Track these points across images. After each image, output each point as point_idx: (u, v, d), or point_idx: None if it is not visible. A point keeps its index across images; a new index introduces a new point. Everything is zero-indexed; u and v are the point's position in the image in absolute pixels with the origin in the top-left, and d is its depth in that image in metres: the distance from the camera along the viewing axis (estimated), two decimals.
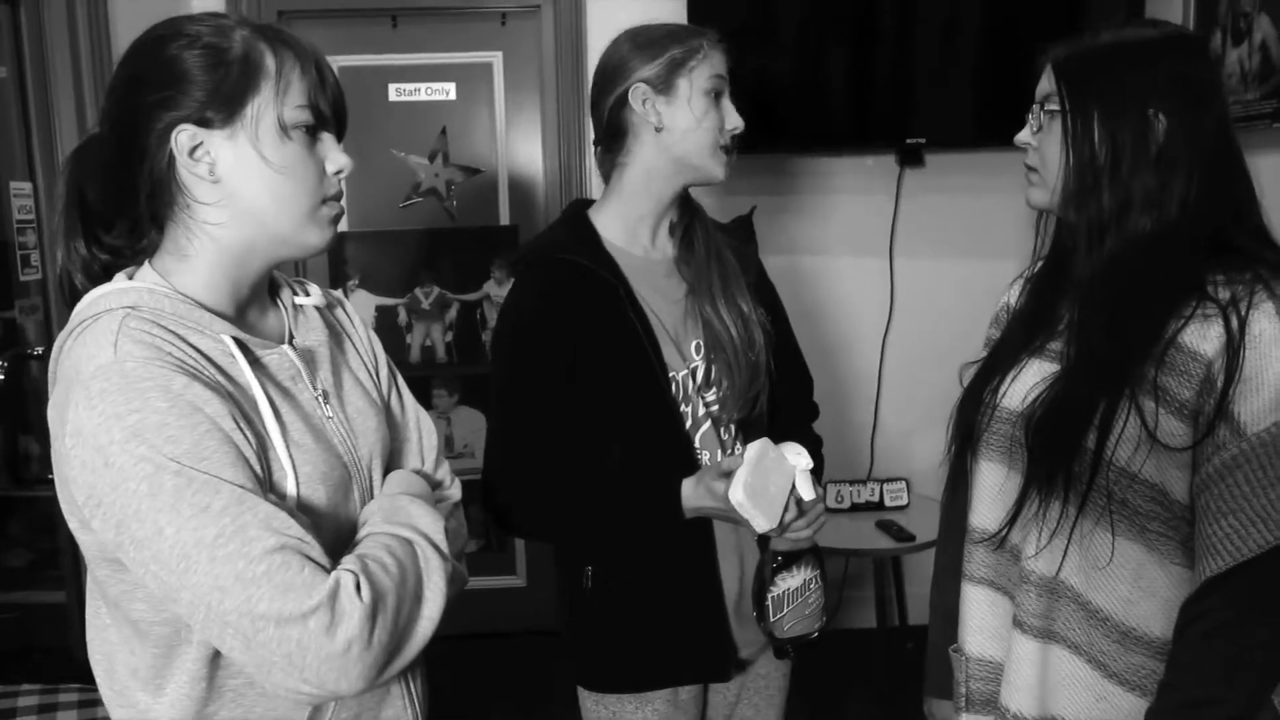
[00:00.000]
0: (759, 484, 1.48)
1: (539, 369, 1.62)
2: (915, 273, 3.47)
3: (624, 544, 1.66)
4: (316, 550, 1.02)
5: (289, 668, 0.99)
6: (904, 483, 3.23)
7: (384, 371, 1.35)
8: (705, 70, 1.61)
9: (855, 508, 3.20)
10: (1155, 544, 1.22)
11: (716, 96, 1.63)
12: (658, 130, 1.62)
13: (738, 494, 1.46)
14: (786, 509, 1.54)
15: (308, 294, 1.28)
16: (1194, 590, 1.17)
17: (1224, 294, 1.18)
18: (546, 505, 1.64)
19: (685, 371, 1.65)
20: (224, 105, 1.08)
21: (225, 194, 1.10)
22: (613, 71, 1.65)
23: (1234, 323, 1.15)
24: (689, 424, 1.65)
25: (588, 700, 1.72)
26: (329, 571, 1.02)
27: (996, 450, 1.35)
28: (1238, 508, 1.14)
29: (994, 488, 1.35)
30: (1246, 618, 1.15)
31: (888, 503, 3.20)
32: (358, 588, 1.02)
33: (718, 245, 1.73)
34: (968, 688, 1.39)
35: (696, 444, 1.66)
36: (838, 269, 3.48)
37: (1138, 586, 1.22)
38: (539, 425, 1.62)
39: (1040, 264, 1.42)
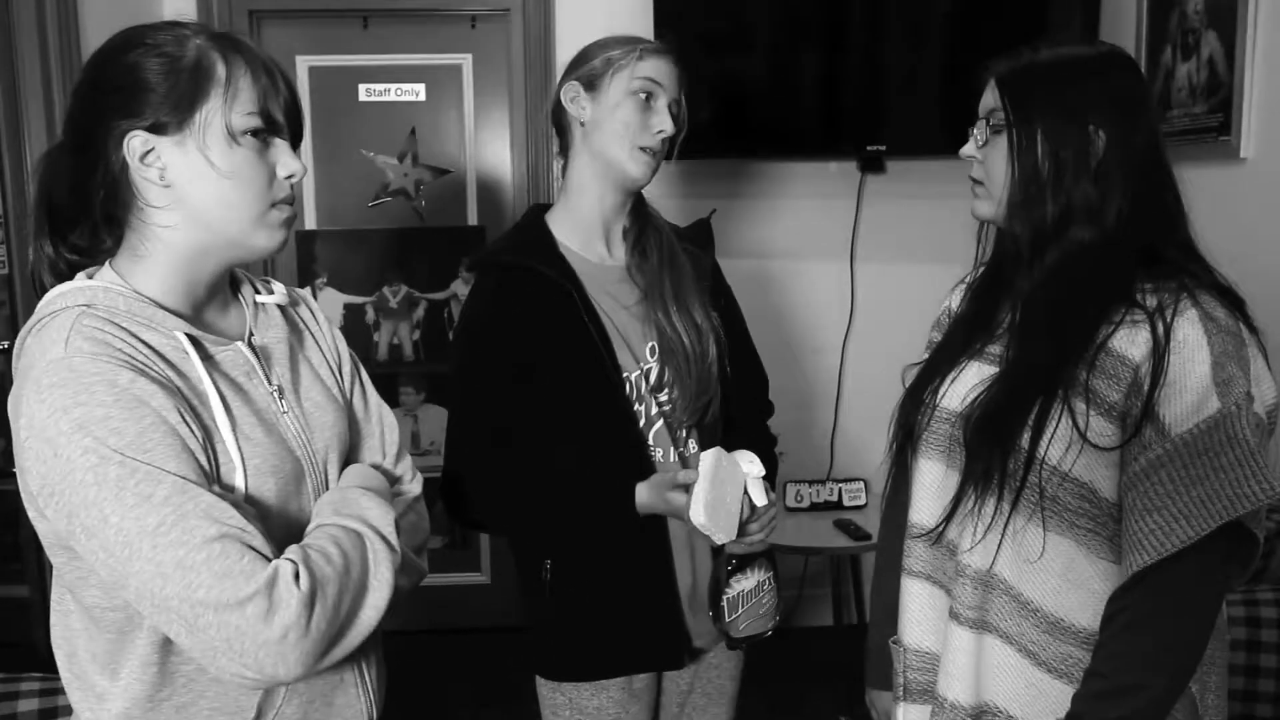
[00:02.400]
0: (716, 498, 1.53)
1: (491, 370, 1.67)
2: (875, 277, 3.53)
3: (578, 541, 1.70)
4: (258, 540, 1.05)
5: (230, 653, 1.02)
6: (862, 483, 3.29)
7: (347, 368, 1.38)
8: (634, 72, 1.65)
9: (814, 507, 3.25)
10: (1084, 539, 1.26)
11: (648, 98, 1.66)
12: (582, 125, 1.69)
13: (699, 515, 1.51)
14: (742, 514, 1.59)
15: (271, 292, 1.31)
16: (1122, 583, 1.22)
17: (1151, 301, 1.24)
18: (502, 503, 1.69)
19: (638, 372, 1.69)
20: (174, 112, 1.11)
21: (175, 198, 1.13)
22: (561, 76, 1.72)
23: (1160, 329, 1.21)
24: (642, 422, 1.69)
25: (544, 688, 1.76)
26: (270, 560, 1.05)
27: (936, 449, 1.39)
28: (1162, 505, 1.18)
29: (933, 485, 1.39)
30: (1169, 609, 1.20)
31: (846, 502, 3.26)
32: (296, 576, 1.05)
33: (672, 253, 1.76)
34: (905, 678, 1.43)
35: (650, 441, 1.70)
36: (800, 273, 3.53)
37: (1066, 580, 1.27)
38: (493, 425, 1.67)
39: (981, 270, 1.47)
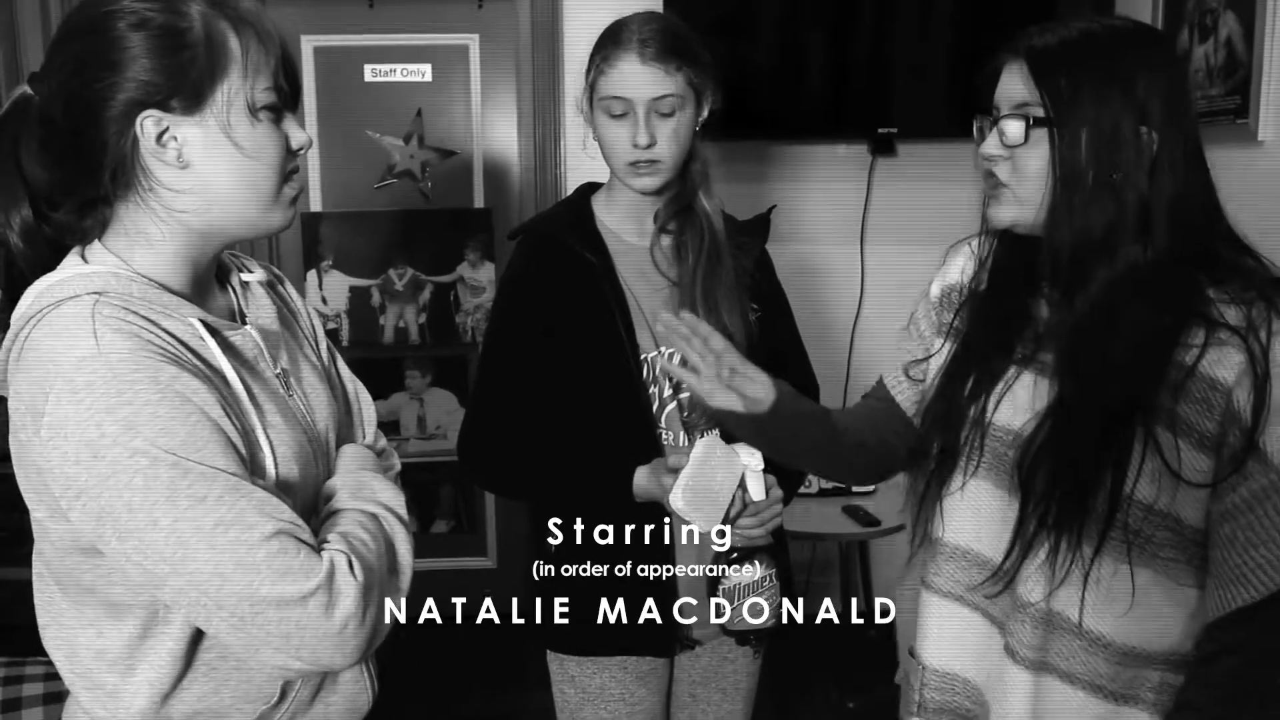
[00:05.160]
0: (701, 485, 1.52)
1: (515, 335, 1.71)
2: (885, 261, 3.49)
3: (578, 514, 1.70)
4: (307, 533, 1.04)
5: (285, 646, 1.01)
6: None
7: (324, 344, 1.36)
8: (599, 93, 1.64)
9: (823, 493, 3.23)
10: (1164, 568, 1.19)
11: (623, 114, 1.63)
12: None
13: (677, 500, 1.51)
14: (733, 505, 1.57)
15: (251, 271, 1.27)
16: (1222, 616, 1.16)
17: (1232, 314, 1.14)
18: (507, 467, 1.74)
19: (655, 353, 1.70)
20: (191, 91, 1.06)
21: (194, 179, 1.08)
22: None
23: (1257, 350, 1.12)
24: (655, 404, 1.70)
25: (553, 662, 1.79)
26: (319, 552, 1.04)
27: (991, 470, 1.28)
28: (1269, 538, 1.12)
29: (986, 509, 1.29)
30: (1277, 646, 1.15)
31: (855, 488, 3.24)
32: (350, 568, 1.04)
33: (714, 256, 1.72)
34: (922, 695, 1.37)
35: (661, 424, 1.70)
36: (809, 256, 3.50)
37: (1141, 606, 1.20)
38: (509, 390, 1.72)
39: (993, 251, 1.36)
